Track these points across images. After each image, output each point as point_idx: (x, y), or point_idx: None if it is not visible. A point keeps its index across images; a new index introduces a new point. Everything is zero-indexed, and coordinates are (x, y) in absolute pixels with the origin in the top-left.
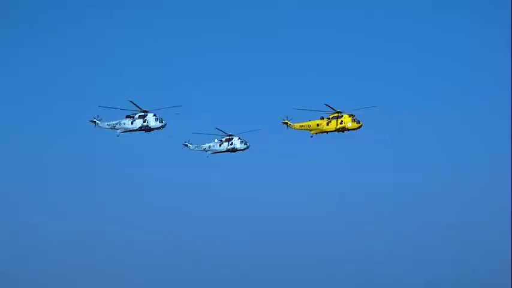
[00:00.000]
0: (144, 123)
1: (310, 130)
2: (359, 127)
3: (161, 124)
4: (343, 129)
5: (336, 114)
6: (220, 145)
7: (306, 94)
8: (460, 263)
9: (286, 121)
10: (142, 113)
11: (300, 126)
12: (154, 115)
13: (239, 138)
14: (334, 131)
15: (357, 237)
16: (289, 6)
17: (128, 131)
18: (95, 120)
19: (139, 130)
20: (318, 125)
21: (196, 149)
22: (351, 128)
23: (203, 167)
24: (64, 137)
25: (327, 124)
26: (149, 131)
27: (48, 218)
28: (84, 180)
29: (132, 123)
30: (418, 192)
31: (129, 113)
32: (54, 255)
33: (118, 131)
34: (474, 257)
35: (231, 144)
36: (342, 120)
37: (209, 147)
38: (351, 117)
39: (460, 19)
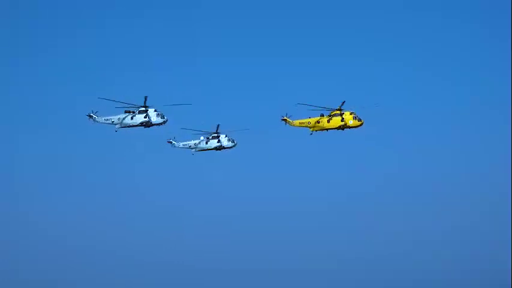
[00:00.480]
0: (145, 119)
1: (310, 127)
2: (360, 125)
3: (163, 120)
4: (344, 127)
5: (337, 112)
6: (206, 143)
7: (305, 93)
8: (460, 263)
9: (285, 118)
10: (143, 108)
11: (300, 123)
12: (155, 111)
13: (226, 136)
14: (336, 128)
15: (355, 236)
16: (293, 5)
17: (128, 126)
18: (92, 114)
19: (140, 126)
20: (318, 122)
21: (182, 146)
22: (352, 125)
23: (193, 164)
24: (64, 132)
25: (328, 121)
26: (149, 127)
27: (46, 217)
28: (80, 176)
29: (132, 118)
30: (417, 191)
31: (126, 107)
32: (52, 253)
33: (116, 126)
34: (474, 257)
35: (218, 142)
36: (343, 118)
37: (195, 144)
38: (352, 115)
39: (460, 19)
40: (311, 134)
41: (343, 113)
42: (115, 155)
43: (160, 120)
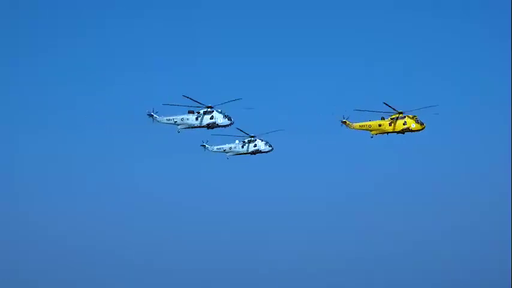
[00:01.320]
0: (211, 120)
1: (371, 130)
2: (422, 129)
3: (229, 122)
4: (406, 131)
5: (399, 115)
6: (242, 146)
7: (306, 94)
8: (460, 263)
9: (345, 121)
10: (208, 109)
11: (360, 126)
12: (221, 112)
13: (262, 140)
14: (398, 132)
15: (361, 236)
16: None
17: (192, 127)
18: (152, 114)
19: (205, 127)
20: (379, 125)
21: (216, 150)
22: (414, 129)
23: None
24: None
25: (390, 125)
26: (213, 128)
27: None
28: (80, 176)
29: (197, 119)
30: (417, 191)
31: (190, 109)
32: (52, 253)
33: (179, 126)
34: (474, 257)
35: (255, 146)
36: (405, 121)
37: (230, 148)
38: (414, 119)
39: (460, 19)
40: (372, 137)
41: (405, 117)
42: (115, 155)
43: (227, 122)
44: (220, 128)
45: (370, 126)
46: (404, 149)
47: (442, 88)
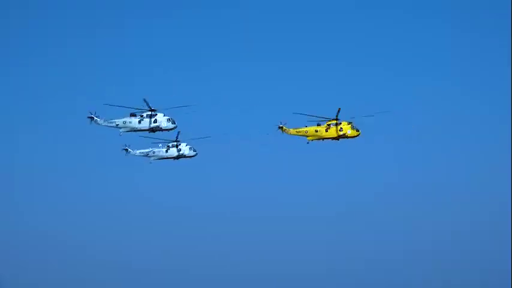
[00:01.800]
0: (155, 124)
1: (307, 136)
2: (358, 135)
3: (173, 126)
4: (341, 137)
5: (334, 121)
6: (166, 151)
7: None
8: (460, 263)
9: (281, 126)
10: (151, 112)
11: (297, 131)
12: (165, 115)
13: (187, 145)
14: (334, 138)
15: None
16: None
17: (134, 130)
18: (93, 116)
19: (148, 131)
20: (316, 131)
21: (138, 154)
22: (350, 135)
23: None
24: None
25: (326, 131)
26: (155, 132)
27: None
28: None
29: (139, 122)
30: (418, 193)
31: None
32: (52, 253)
33: (121, 129)
34: (474, 257)
35: (179, 150)
36: (341, 127)
37: (153, 152)
38: (349, 125)
39: (460, 19)
40: (308, 142)
41: (341, 123)
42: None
43: (171, 125)
44: (163, 131)
45: (306, 132)
46: (402, 151)
47: (441, 88)
